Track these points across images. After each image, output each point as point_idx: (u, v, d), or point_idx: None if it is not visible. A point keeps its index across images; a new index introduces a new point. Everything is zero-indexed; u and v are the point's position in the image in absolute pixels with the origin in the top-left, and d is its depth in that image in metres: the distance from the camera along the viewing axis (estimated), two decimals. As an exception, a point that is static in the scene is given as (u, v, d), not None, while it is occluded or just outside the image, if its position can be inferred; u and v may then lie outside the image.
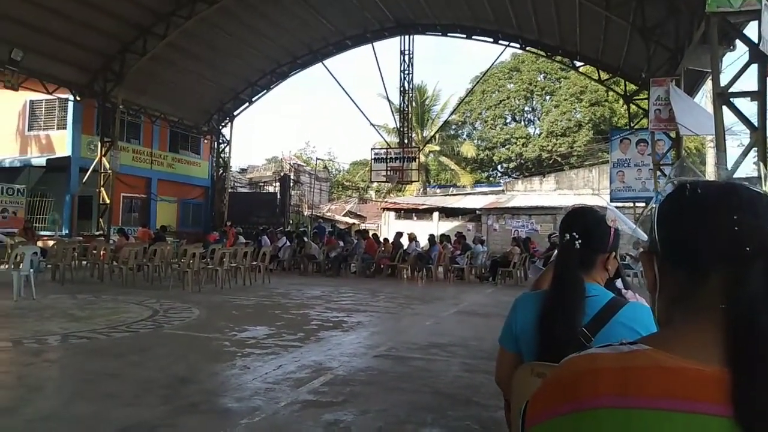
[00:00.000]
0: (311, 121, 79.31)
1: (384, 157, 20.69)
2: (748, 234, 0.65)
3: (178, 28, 15.79)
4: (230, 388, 4.62)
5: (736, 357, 0.60)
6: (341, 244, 16.57)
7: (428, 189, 33.56)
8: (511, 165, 36.82)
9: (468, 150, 35.69)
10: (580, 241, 1.62)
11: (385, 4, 17.80)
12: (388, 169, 20.45)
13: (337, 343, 6.46)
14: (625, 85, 17.71)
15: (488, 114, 36.98)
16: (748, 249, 0.64)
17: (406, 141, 21.13)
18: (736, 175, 7.98)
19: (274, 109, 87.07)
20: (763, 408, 0.57)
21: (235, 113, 22.82)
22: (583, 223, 1.66)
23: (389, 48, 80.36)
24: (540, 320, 1.58)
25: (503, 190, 28.61)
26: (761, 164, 7.27)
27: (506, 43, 18.81)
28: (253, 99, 22.48)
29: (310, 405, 4.16)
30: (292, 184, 27.36)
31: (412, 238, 16.07)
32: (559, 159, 32.12)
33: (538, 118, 36.78)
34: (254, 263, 12.88)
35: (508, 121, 37.47)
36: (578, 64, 19.87)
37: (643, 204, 17.49)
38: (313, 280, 14.48)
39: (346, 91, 21.22)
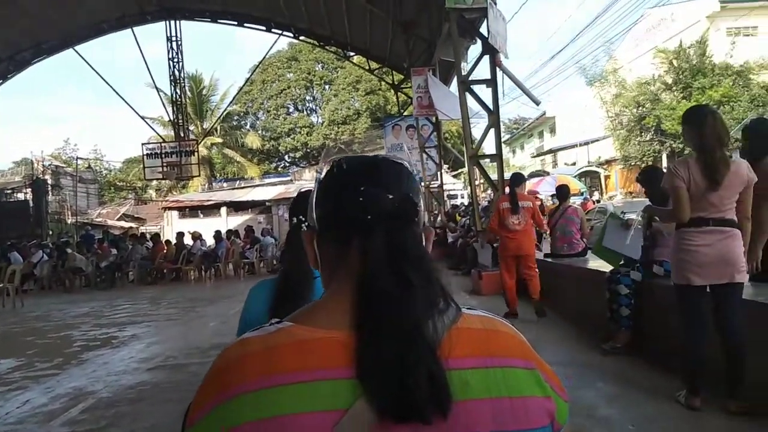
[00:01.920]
0: (71, 118, 69.48)
1: (158, 152, 19.07)
2: (370, 203, 0.67)
3: None
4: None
5: (358, 320, 0.62)
6: (114, 251, 14.89)
7: (214, 183, 32.07)
8: (298, 154, 37.18)
9: (253, 141, 35.00)
10: (306, 223, 1.61)
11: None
12: (164, 164, 18.90)
13: (103, 363, 5.75)
14: (393, 75, 19.04)
15: (270, 104, 36.70)
16: (369, 217, 0.66)
17: (182, 134, 19.77)
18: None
19: (20, 104, 73.88)
20: (379, 365, 0.59)
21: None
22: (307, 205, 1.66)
23: (156, 33, 74.61)
24: (272, 307, 1.54)
25: (292, 180, 28.75)
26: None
27: (279, 31, 18.72)
28: (-15, 90, 18.77)
29: (60, 440, 3.60)
30: (49, 188, 23.61)
31: (197, 236, 15.21)
32: (343, 147, 33.41)
33: (320, 107, 37.71)
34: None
35: (291, 110, 37.68)
36: (350, 53, 20.73)
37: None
38: (81, 296, 12.75)
39: (105, 80, 18.57)
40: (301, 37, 19.78)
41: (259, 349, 0.63)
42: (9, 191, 27.13)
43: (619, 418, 3.19)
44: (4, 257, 13.44)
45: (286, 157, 38.36)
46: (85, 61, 18.46)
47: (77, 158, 33.76)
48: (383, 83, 23.90)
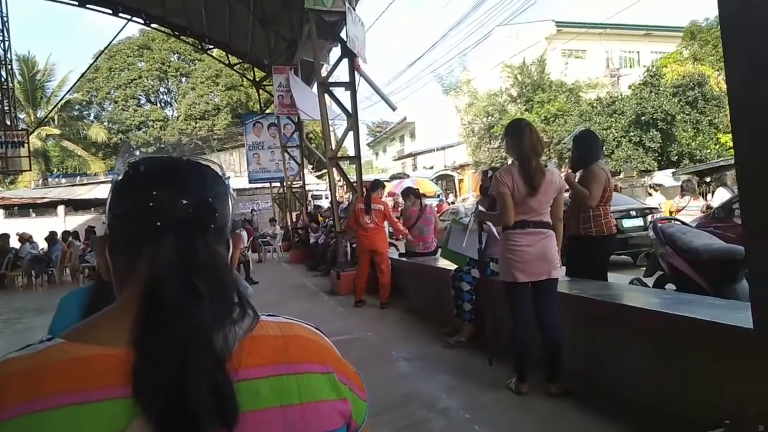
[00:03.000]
0: None
1: (-23, 142, 16.56)
2: (162, 208, 0.64)
3: None
4: None
5: (139, 333, 0.59)
6: None
7: (50, 179, 28.73)
8: (150, 149, 34.61)
9: (97, 133, 31.96)
10: None
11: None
12: (-15, 156, 16.48)
13: None
14: (254, 71, 18.51)
15: (119, 94, 33.83)
16: (159, 224, 0.63)
17: (9, 122, 17.38)
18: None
19: None
20: (157, 381, 0.56)
21: None
22: None
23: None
24: (84, 316, 1.40)
25: (143, 177, 26.70)
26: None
27: (128, 16, 17.22)
28: None
29: None
30: None
31: (26, 238, 13.49)
32: (200, 143, 31.80)
33: (175, 100, 35.52)
34: None
35: (142, 102, 35.06)
36: (209, 46, 19.77)
37: (278, 184, 18.88)
38: None
39: None
40: (153, 25, 18.43)
41: (23, 369, 0.57)
42: None
43: (457, 408, 3.40)
44: None
45: (137, 152, 35.57)
46: None
47: None
48: (245, 79, 23.19)
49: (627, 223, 9.06)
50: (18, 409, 0.54)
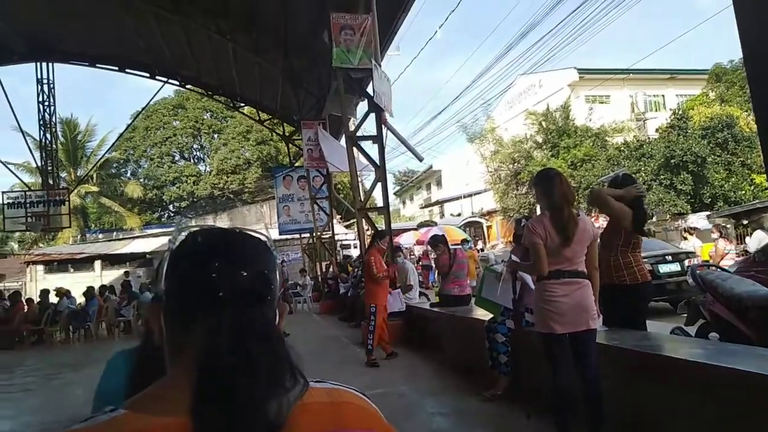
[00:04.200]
0: None
1: (21, 201, 17.31)
2: (223, 280, 0.66)
3: None
4: None
5: (196, 402, 0.60)
6: (-39, 313, 13.07)
7: (87, 235, 29.63)
8: (184, 204, 35.60)
9: (133, 190, 33.09)
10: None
11: (10, 21, 15.07)
12: (29, 215, 17.18)
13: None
14: (283, 126, 19.11)
15: (154, 151, 35.14)
16: (221, 295, 0.65)
17: (51, 182, 18.20)
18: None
19: None
20: None
21: None
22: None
23: (26, 74, 69.27)
24: (132, 380, 1.44)
25: (176, 231, 27.37)
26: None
27: (164, 78, 18.15)
28: None
29: None
30: None
31: (63, 293, 13.81)
32: (232, 196, 32.58)
33: (208, 156, 36.69)
34: None
35: (176, 158, 36.28)
36: (240, 104, 20.57)
37: (307, 234, 19.11)
38: None
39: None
40: (188, 86, 19.35)
41: None
42: None
43: (497, 465, 3.30)
44: None
45: (171, 206, 36.57)
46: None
47: None
48: (275, 134, 23.92)
49: (663, 269, 8.83)
50: None
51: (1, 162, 19.27)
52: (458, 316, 6.41)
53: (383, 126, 9.00)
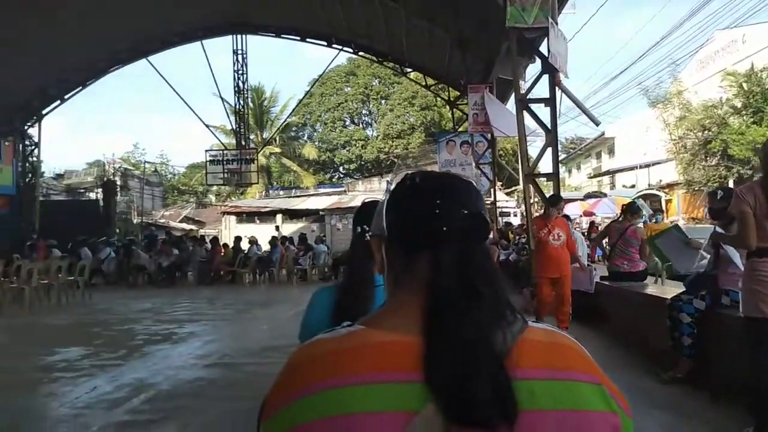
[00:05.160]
0: (140, 123, 73.07)
1: (220, 159, 19.85)
2: (446, 216, 0.71)
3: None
4: (29, 420, 4.07)
5: (427, 326, 0.66)
6: (176, 251, 15.55)
7: (271, 191, 32.96)
8: (352, 166, 37.71)
9: (309, 152, 35.83)
10: (370, 232, 1.69)
11: (211, 1, 17.04)
12: (225, 171, 19.67)
13: (163, 357, 6.05)
14: (449, 91, 19.11)
15: (328, 116, 37.48)
16: (445, 229, 0.70)
17: (243, 142, 20.53)
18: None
19: (96, 108, 78.33)
20: (446, 372, 0.62)
21: (43, 112, 20.18)
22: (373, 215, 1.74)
23: (223, 46, 77.70)
24: (334, 312, 1.61)
25: (345, 191, 29.20)
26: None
27: (339, 47, 19.18)
28: (66, 97, 20.08)
29: (125, 426, 3.83)
30: (118, 189, 24.95)
31: (253, 241, 15.68)
32: (396, 160, 33.67)
33: (375, 121, 38.18)
34: (71, 279, 11.51)
35: (347, 123, 38.33)
36: (407, 70, 20.98)
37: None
38: (144, 292, 13.38)
39: (174, 90, 19.74)
40: (361, 53, 20.20)
41: (331, 350, 0.66)
42: (82, 190, 28.89)
43: (675, 448, 3.11)
44: (74, 253, 14.33)
45: (341, 168, 38.98)
46: (156, 71, 19.51)
47: (145, 162, 35.60)
48: (438, 99, 24.01)
49: None
50: (327, 383, 0.62)
51: (205, 125, 22.08)
52: (633, 291, 6.00)
53: (557, 88, 8.55)
